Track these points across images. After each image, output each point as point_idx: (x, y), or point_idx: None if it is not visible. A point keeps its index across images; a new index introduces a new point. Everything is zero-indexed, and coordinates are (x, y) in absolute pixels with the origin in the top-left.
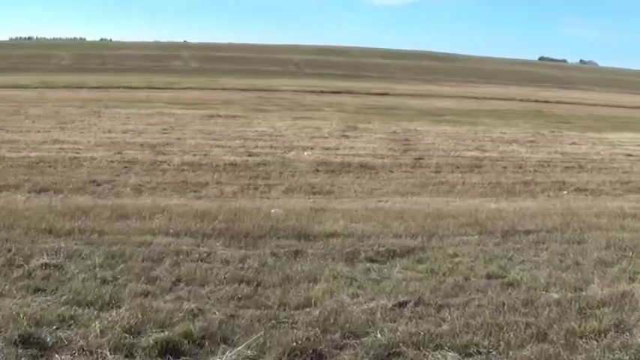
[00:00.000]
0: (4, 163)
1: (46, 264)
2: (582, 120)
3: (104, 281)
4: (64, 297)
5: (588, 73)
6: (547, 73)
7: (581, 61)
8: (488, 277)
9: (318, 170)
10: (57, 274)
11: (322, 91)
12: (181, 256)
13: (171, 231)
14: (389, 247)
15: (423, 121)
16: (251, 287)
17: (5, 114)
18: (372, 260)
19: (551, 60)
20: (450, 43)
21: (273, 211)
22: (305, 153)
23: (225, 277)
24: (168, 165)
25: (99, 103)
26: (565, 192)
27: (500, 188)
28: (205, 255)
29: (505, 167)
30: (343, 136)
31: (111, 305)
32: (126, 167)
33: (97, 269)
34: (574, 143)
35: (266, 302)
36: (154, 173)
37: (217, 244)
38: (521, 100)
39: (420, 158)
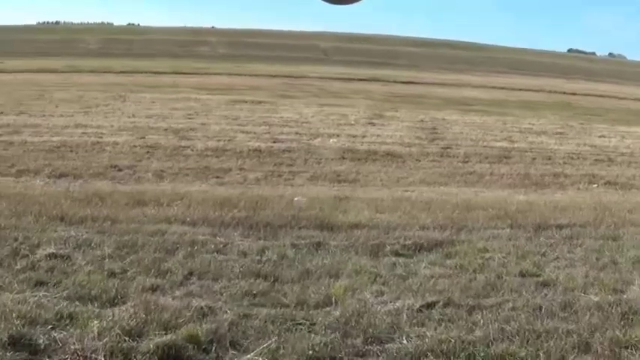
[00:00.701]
0: (24, 148)
1: (52, 254)
2: (611, 113)
3: (112, 274)
4: (66, 291)
5: (617, 66)
6: (575, 65)
7: (610, 54)
8: (522, 275)
9: (343, 158)
10: (63, 265)
11: (349, 79)
12: (196, 247)
13: (188, 219)
14: (416, 240)
15: (451, 110)
16: (268, 282)
17: (30, 98)
18: (397, 254)
19: (580, 52)
20: (478, 32)
21: (296, 199)
22: (331, 140)
23: (240, 271)
24: (192, 150)
25: (124, 88)
26: (595, 185)
27: (528, 180)
28: (222, 246)
29: (534, 158)
30: (370, 123)
31: (115, 301)
32: (148, 152)
33: (106, 260)
34: (603, 136)
35: (283, 300)
36: (177, 159)
37: (235, 234)
38: (549, 92)
39: (447, 147)
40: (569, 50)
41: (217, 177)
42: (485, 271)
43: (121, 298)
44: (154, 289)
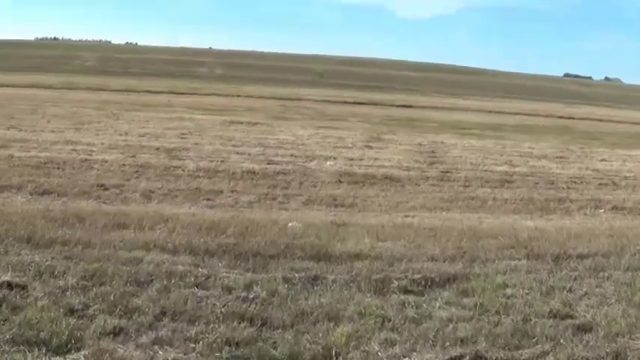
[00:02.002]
0: (11, 162)
1: (7, 283)
2: (609, 136)
3: (70, 310)
4: (11, 332)
5: (613, 90)
6: (572, 89)
7: (606, 78)
8: (553, 316)
9: (340, 181)
10: (15, 297)
11: (345, 102)
12: (173, 280)
13: (170, 246)
14: (425, 274)
15: (449, 134)
16: (254, 328)
17: (23, 113)
18: (406, 291)
19: (577, 76)
20: (473, 57)
21: (290, 224)
22: (327, 163)
23: (222, 312)
24: (183, 171)
25: (118, 106)
26: (602, 210)
27: (533, 205)
28: (204, 279)
29: (537, 183)
30: (367, 146)
31: (68, 347)
32: (138, 171)
33: (68, 292)
34: (604, 160)
35: (271, 352)
36: (167, 179)
37: (220, 264)
38: (546, 116)
39: (447, 172)
40: (565, 75)
41: (208, 199)
42: (510, 313)
43: (75, 343)
44: (116, 332)
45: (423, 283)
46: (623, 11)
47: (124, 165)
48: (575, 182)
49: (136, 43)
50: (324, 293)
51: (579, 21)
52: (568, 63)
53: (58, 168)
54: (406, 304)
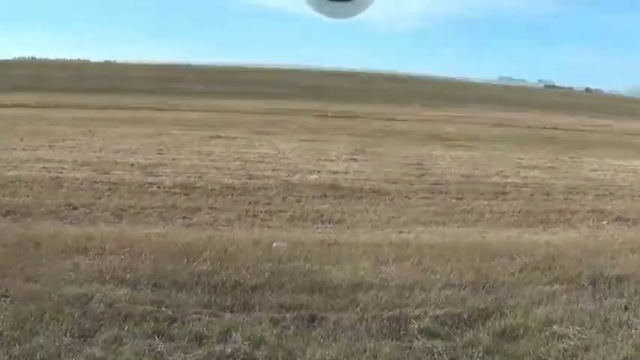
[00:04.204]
0: None
1: None
2: (597, 146)
3: None
4: None
5: (594, 100)
6: (553, 99)
7: (587, 89)
8: None
9: (326, 196)
10: None
11: (327, 115)
12: (128, 326)
13: (130, 276)
14: (449, 309)
15: (435, 145)
16: None
17: None
18: (430, 334)
19: (557, 87)
20: (453, 68)
21: (275, 244)
22: (311, 176)
23: None
24: (158, 187)
25: (95, 123)
26: (605, 222)
27: (532, 217)
28: (167, 323)
29: (532, 194)
30: (352, 159)
31: None
32: (110, 189)
33: None
34: (595, 170)
35: None
36: (141, 196)
37: (191, 300)
38: (529, 127)
39: (437, 184)
40: (546, 86)
41: (184, 217)
42: None
43: None
44: None
45: (449, 321)
46: (606, 26)
47: (95, 182)
48: (571, 193)
49: (115, 61)
50: (326, 342)
51: (558, 32)
52: (547, 74)
53: (26, 187)
54: (435, 354)
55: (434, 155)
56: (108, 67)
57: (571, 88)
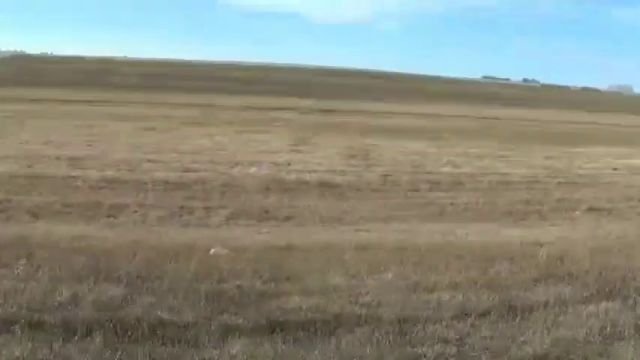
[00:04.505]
0: None
1: None
2: (540, 135)
3: None
4: None
5: (531, 91)
6: (492, 91)
7: (524, 79)
8: None
9: (269, 189)
10: None
11: (265, 108)
12: None
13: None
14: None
15: (377, 136)
16: None
17: None
18: None
19: (495, 79)
20: (391, 62)
21: (212, 251)
22: (252, 169)
23: None
24: (84, 182)
25: (27, 115)
26: (577, 212)
27: (500, 209)
28: None
29: (491, 184)
30: (294, 150)
31: None
32: (32, 183)
33: None
34: (548, 157)
35: None
36: (64, 192)
37: (93, 345)
38: (469, 117)
39: (387, 175)
40: (484, 77)
41: (109, 215)
42: None
43: None
44: None
45: None
46: (537, 16)
47: (16, 176)
48: (531, 182)
49: (51, 53)
50: None
51: (495, 25)
52: (486, 66)
53: None
54: None
55: (379, 146)
56: (44, 59)
57: (508, 79)
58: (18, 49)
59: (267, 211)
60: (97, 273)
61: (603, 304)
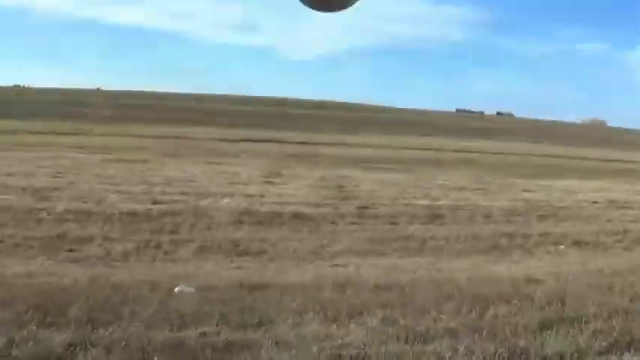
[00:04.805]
0: None
1: None
2: (517, 168)
3: None
4: None
5: (506, 124)
6: (465, 124)
7: (498, 113)
8: None
9: (241, 222)
10: None
11: (237, 139)
12: None
13: None
14: None
15: (352, 168)
16: None
17: None
18: None
19: (469, 112)
20: (365, 95)
21: (177, 289)
22: (224, 200)
23: None
24: (48, 214)
25: None
26: (562, 246)
27: (482, 243)
28: None
29: (471, 217)
30: (267, 182)
31: None
32: None
33: None
34: (527, 191)
35: None
36: (26, 225)
37: None
38: (444, 150)
39: (364, 207)
40: (458, 110)
41: (72, 250)
42: None
43: None
44: None
45: None
46: (507, 51)
47: None
48: (511, 215)
49: (24, 86)
50: None
51: (470, 59)
52: (458, 100)
53: None
54: None
55: (354, 177)
56: (16, 91)
57: (482, 112)
58: None
59: (237, 245)
60: (43, 316)
61: (626, 357)
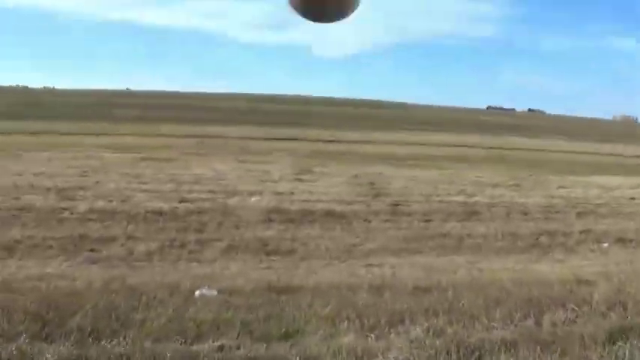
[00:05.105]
0: None
1: None
2: (551, 165)
3: None
4: None
5: (537, 121)
6: (496, 121)
7: (529, 109)
8: None
9: (270, 220)
10: None
11: (267, 138)
12: None
13: None
14: None
15: (384, 165)
16: None
17: None
18: None
19: (500, 109)
20: (394, 92)
21: (198, 293)
22: (253, 199)
23: None
24: (71, 214)
25: (25, 147)
26: (605, 244)
27: (521, 241)
28: None
29: (508, 214)
30: (297, 179)
31: None
32: (14, 216)
33: None
34: (562, 187)
35: None
36: (49, 224)
37: None
38: (475, 147)
39: (396, 204)
40: (489, 107)
41: (93, 249)
42: None
43: None
44: None
45: None
46: (538, 47)
47: None
48: (549, 212)
49: (54, 87)
50: None
51: (500, 56)
52: (490, 96)
53: None
54: None
55: (385, 175)
56: (46, 93)
57: (513, 109)
58: (20, 85)
59: (267, 244)
60: (41, 326)
61: None
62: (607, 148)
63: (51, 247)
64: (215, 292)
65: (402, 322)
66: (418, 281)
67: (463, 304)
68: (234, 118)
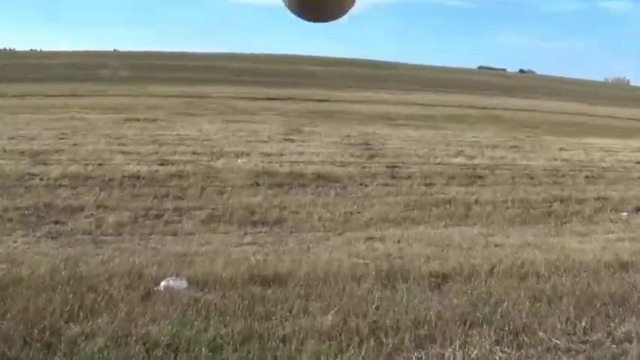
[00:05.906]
0: None
1: None
2: (546, 125)
3: None
4: None
5: (528, 81)
6: (487, 80)
7: (520, 70)
8: None
9: (258, 184)
10: None
11: (256, 97)
12: None
13: None
14: None
15: (377, 125)
16: None
17: None
18: None
19: (491, 69)
20: (384, 52)
21: (164, 284)
22: (239, 160)
23: None
24: (41, 180)
25: (7, 109)
26: (624, 213)
27: (533, 209)
28: None
29: (513, 178)
30: (287, 139)
31: None
32: None
33: None
34: (564, 149)
35: None
36: (14, 192)
37: None
38: (468, 107)
39: (394, 166)
40: (480, 67)
41: (57, 222)
42: None
43: None
44: None
45: None
46: (533, 6)
47: None
48: (556, 176)
49: (41, 50)
50: None
51: (490, 15)
52: (482, 56)
53: None
54: None
55: (380, 134)
56: (31, 55)
57: (504, 70)
58: (7, 48)
59: (253, 212)
60: None
61: None
62: (601, 109)
63: (10, 219)
64: (185, 284)
65: (434, 341)
66: (433, 264)
67: (498, 303)
68: (227, 78)
